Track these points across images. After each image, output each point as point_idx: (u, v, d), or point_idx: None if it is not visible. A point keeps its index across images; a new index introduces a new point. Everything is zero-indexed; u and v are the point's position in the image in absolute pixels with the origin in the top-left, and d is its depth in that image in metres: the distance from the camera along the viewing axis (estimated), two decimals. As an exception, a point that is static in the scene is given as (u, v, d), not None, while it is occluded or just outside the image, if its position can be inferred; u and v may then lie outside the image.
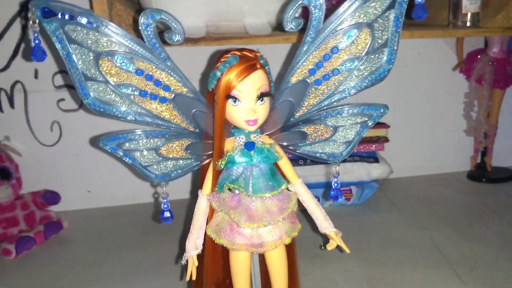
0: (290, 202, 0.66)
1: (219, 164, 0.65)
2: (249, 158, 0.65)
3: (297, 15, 0.63)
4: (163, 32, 0.61)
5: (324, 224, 0.70)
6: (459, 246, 1.05)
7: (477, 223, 1.17)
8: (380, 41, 0.64)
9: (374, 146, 1.29)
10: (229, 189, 0.65)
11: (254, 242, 0.64)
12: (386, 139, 1.30)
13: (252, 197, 0.64)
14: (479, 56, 1.40)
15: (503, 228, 1.13)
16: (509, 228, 1.13)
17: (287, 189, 0.68)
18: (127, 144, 0.66)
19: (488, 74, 1.38)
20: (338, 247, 0.71)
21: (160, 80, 0.62)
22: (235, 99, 0.62)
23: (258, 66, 0.62)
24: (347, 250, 0.71)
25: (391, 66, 0.65)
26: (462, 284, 0.90)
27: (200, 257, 0.71)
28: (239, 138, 0.66)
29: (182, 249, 0.71)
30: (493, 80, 1.38)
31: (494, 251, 1.02)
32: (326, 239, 0.72)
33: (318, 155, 0.72)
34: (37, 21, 0.57)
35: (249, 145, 0.65)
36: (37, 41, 0.58)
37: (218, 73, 0.62)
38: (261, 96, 0.62)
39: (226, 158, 0.64)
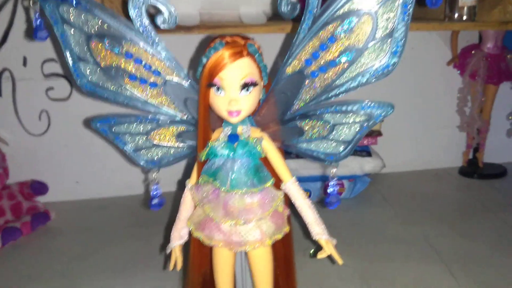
0: (273, 202, 0.62)
1: (200, 155, 0.62)
2: (232, 151, 0.61)
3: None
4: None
5: (316, 230, 0.63)
6: (451, 241, 1.04)
7: (468, 218, 1.16)
8: (384, 30, 0.56)
9: (367, 140, 1.28)
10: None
11: (233, 240, 0.61)
12: (379, 133, 1.29)
13: (231, 192, 0.60)
14: (473, 52, 1.40)
15: (495, 223, 1.13)
16: (500, 224, 1.13)
17: (279, 188, 0.64)
18: (118, 127, 0.65)
19: (482, 70, 1.37)
20: (329, 256, 0.64)
21: (150, 64, 0.61)
22: (218, 87, 0.58)
23: (245, 53, 0.57)
24: (340, 261, 0.64)
25: (396, 59, 0.57)
26: (453, 279, 0.89)
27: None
28: (226, 129, 0.62)
29: (167, 239, 0.69)
30: (486, 76, 1.38)
31: (486, 246, 1.02)
32: (318, 245, 0.64)
33: (314, 154, 0.65)
34: (37, 1, 0.57)
35: (233, 138, 0.61)
36: (38, 21, 0.58)
37: (204, 59, 0.58)
38: (245, 86, 0.58)
39: (207, 149, 0.61)
